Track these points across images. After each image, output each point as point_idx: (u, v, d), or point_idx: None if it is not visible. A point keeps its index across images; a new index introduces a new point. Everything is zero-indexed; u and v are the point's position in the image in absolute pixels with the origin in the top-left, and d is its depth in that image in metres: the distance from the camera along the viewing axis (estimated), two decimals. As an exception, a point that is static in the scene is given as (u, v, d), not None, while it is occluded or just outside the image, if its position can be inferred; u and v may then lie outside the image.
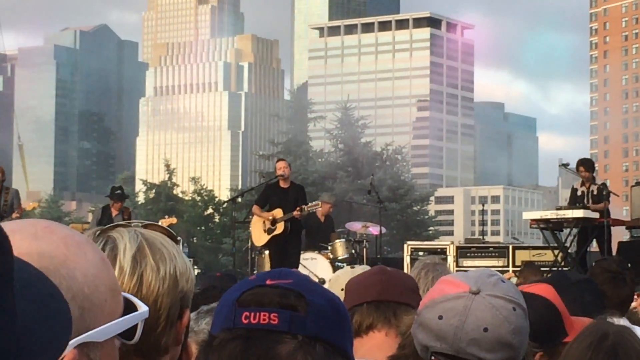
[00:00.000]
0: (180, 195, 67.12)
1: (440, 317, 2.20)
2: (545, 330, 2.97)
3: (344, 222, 20.82)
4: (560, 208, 16.43)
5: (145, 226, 2.04)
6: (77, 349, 1.14)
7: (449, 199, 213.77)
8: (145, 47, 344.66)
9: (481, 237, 31.32)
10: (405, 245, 19.74)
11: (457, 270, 13.19)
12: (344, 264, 15.37)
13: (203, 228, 64.40)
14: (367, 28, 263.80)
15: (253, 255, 16.79)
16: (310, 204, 14.99)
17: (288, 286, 1.48)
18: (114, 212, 16.79)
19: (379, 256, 19.77)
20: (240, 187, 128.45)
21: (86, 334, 1.16)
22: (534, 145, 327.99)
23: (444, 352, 2.21)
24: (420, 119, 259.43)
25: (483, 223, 47.10)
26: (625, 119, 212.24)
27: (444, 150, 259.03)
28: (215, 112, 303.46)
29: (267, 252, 15.81)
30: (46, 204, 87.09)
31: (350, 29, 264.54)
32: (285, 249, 14.90)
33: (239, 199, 39.79)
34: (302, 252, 15.72)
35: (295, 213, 14.66)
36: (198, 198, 65.19)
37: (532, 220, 16.57)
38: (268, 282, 1.50)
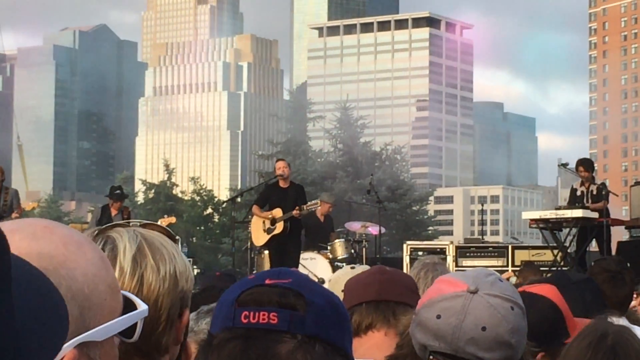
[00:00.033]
0: (179, 195, 67.10)
1: (439, 317, 2.21)
2: (547, 331, 2.98)
3: (343, 222, 20.80)
4: (559, 208, 16.43)
5: (143, 226, 2.05)
6: (77, 349, 1.14)
7: (449, 199, 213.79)
8: (144, 47, 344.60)
9: (480, 236, 31.35)
10: (404, 245, 19.74)
11: (456, 270, 13.19)
12: (344, 264, 15.36)
13: (202, 228, 64.40)
14: (366, 28, 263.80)
15: (252, 255, 16.79)
16: (309, 203, 15.00)
17: (287, 285, 1.48)
18: (114, 212, 16.80)
19: (378, 256, 19.75)
20: (239, 187, 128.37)
21: (86, 333, 1.16)
22: (533, 145, 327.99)
23: (442, 352, 2.21)
24: (419, 118, 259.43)
25: (482, 223, 47.04)
26: (625, 119, 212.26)
27: (443, 150, 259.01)
28: (214, 112, 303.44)
29: (266, 251, 15.81)
30: (45, 203, 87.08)
31: (349, 29, 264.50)
32: (284, 249, 14.90)
33: (239, 199, 39.78)
34: (301, 252, 15.73)
35: (294, 212, 14.66)
36: (197, 198, 65.18)
37: (532, 220, 16.57)
38: (267, 281, 1.50)
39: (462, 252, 19.06)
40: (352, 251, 16.95)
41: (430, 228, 64.73)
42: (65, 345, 1.11)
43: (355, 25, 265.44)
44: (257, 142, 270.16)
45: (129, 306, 1.29)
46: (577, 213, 15.54)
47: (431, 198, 70.13)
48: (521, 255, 18.49)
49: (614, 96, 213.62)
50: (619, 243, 17.16)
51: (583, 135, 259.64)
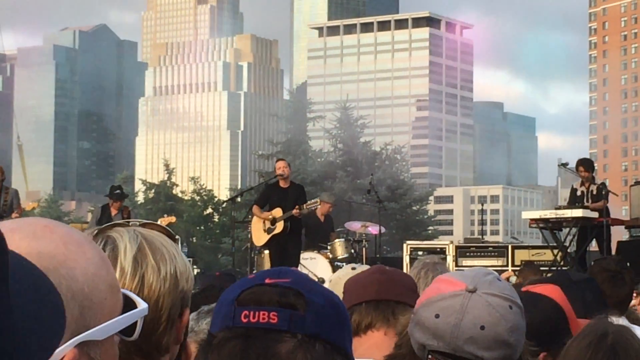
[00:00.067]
0: (179, 195, 67.07)
1: (437, 316, 2.21)
2: (550, 331, 2.98)
3: (343, 222, 20.78)
4: (559, 207, 16.43)
5: (143, 225, 2.05)
6: (78, 348, 1.14)
7: (448, 199, 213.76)
8: (144, 47, 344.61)
9: (480, 236, 31.33)
10: (404, 245, 19.73)
11: (456, 270, 13.19)
12: (343, 264, 15.35)
13: (202, 228, 64.38)
14: (366, 28, 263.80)
15: (252, 255, 16.79)
16: (309, 202, 15.00)
17: (287, 285, 1.48)
18: (114, 212, 16.80)
19: (378, 256, 19.74)
20: (239, 186, 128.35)
21: (86, 332, 1.16)
22: (533, 145, 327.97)
23: (441, 351, 2.21)
24: (419, 118, 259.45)
25: (482, 222, 47.00)
26: (625, 119, 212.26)
27: (443, 149, 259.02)
28: (214, 111, 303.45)
29: (266, 251, 15.81)
30: (46, 203, 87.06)
31: (349, 29, 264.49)
32: (285, 248, 14.90)
33: (238, 199, 39.77)
34: (301, 251, 15.73)
35: (294, 211, 14.66)
36: (197, 198, 65.16)
37: (532, 219, 16.57)
38: (267, 281, 1.50)
39: (462, 251, 19.05)
40: (352, 251, 16.95)
41: (430, 228, 64.70)
42: (65, 345, 1.12)
43: (355, 25, 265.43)
44: (257, 142, 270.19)
45: (128, 305, 1.29)
46: (577, 213, 15.54)
47: (431, 198, 70.09)
48: (521, 255, 18.48)
49: (614, 96, 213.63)
50: (619, 243, 17.15)
51: (583, 135, 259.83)
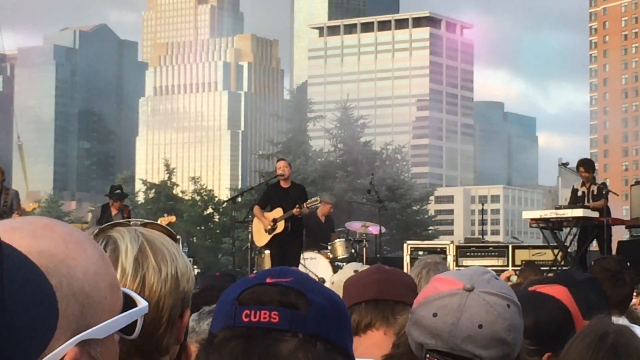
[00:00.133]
0: (180, 195, 67.06)
1: (435, 315, 2.21)
2: (555, 332, 2.98)
3: (343, 222, 20.78)
4: (559, 207, 16.43)
5: (144, 225, 2.04)
6: (78, 346, 1.14)
7: (449, 199, 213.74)
8: (144, 47, 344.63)
9: (481, 236, 31.31)
10: (405, 245, 19.73)
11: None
12: (344, 264, 15.35)
13: (203, 228, 64.37)
14: (367, 27, 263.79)
15: (253, 255, 16.80)
16: (309, 201, 15.00)
17: (288, 284, 1.48)
18: (114, 211, 16.79)
19: (378, 256, 19.74)
20: (240, 186, 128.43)
21: (87, 331, 1.16)
22: (533, 145, 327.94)
23: (439, 350, 2.21)
24: (419, 118, 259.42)
25: (483, 222, 46.96)
26: (625, 118, 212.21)
27: (443, 149, 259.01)
28: (214, 111, 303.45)
29: (267, 251, 15.81)
30: (46, 204, 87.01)
31: (349, 29, 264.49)
32: (286, 248, 14.90)
33: (239, 199, 39.77)
34: (302, 251, 15.73)
35: (294, 210, 14.66)
36: (198, 198, 65.16)
37: (532, 219, 16.57)
38: (268, 280, 1.50)
39: (463, 251, 19.05)
40: (353, 251, 16.95)
41: (431, 228, 64.67)
42: (66, 343, 1.12)
43: (355, 24, 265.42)
44: (257, 141, 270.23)
45: (129, 303, 1.29)
46: (578, 212, 15.54)
47: (431, 198, 70.06)
48: (521, 255, 18.49)
49: (614, 95, 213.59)
50: (620, 242, 17.16)
51: (583, 135, 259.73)
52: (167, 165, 66.05)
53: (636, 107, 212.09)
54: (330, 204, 17.67)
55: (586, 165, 16.19)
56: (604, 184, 16.24)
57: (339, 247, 16.79)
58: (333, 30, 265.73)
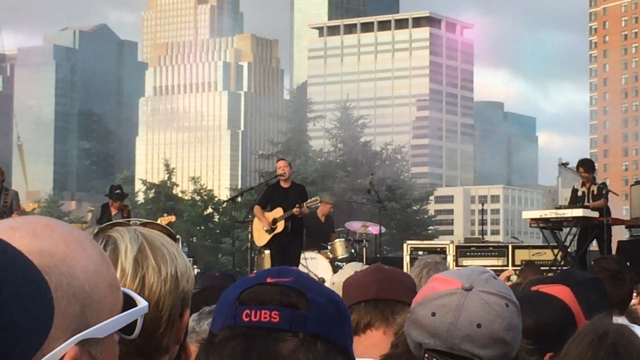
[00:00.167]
0: (179, 195, 67.07)
1: (434, 314, 2.21)
2: (557, 332, 2.97)
3: (343, 222, 20.79)
4: (559, 207, 16.43)
5: (144, 224, 2.04)
6: (79, 346, 1.14)
7: (449, 199, 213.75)
8: (144, 47, 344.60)
9: (481, 236, 31.29)
10: (404, 245, 19.72)
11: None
12: (344, 264, 15.35)
13: (203, 228, 64.38)
14: (367, 27, 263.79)
15: (253, 255, 16.80)
16: (309, 200, 15.00)
17: (288, 284, 1.48)
18: (114, 211, 16.79)
19: (378, 256, 19.74)
20: (239, 186, 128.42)
21: (87, 330, 1.16)
22: (533, 145, 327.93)
23: (437, 349, 2.21)
24: (419, 118, 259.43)
25: (483, 222, 46.88)
26: (625, 118, 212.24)
27: (443, 149, 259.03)
28: (214, 111, 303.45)
29: (267, 251, 15.81)
30: (46, 204, 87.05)
31: (349, 29, 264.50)
32: (286, 248, 14.90)
33: (239, 199, 39.77)
34: (302, 251, 15.73)
35: (294, 210, 14.67)
36: (198, 198, 65.17)
37: (532, 219, 16.57)
38: (268, 280, 1.50)
39: (463, 251, 19.04)
40: (353, 251, 16.96)
41: (431, 227, 64.68)
42: (66, 342, 1.12)
43: (355, 24, 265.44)
44: (257, 141, 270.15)
45: (128, 303, 1.29)
46: (578, 212, 15.55)
47: (431, 198, 70.05)
48: (521, 255, 18.48)
49: (614, 95, 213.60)
50: (619, 242, 17.15)
51: (583, 135, 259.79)
52: (167, 165, 66.07)
53: (636, 107, 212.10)
54: (330, 204, 17.68)
55: (586, 165, 16.20)
56: (604, 184, 16.24)
57: (339, 247, 16.80)
58: (333, 30, 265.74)
